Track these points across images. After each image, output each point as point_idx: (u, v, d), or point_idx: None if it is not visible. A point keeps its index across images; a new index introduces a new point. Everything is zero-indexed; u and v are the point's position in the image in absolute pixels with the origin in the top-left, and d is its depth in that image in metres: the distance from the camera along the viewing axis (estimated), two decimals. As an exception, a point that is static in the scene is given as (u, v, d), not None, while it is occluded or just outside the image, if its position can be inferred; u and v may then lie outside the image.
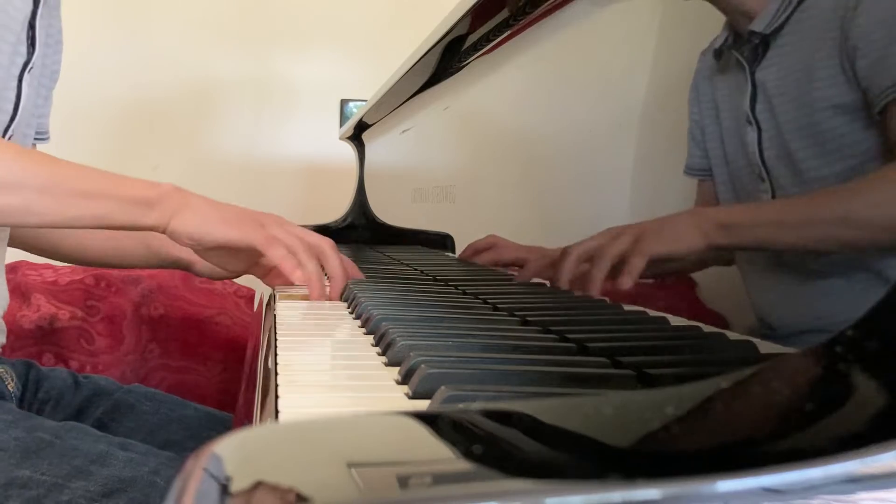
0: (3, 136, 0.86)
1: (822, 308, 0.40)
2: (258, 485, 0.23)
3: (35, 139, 1.01)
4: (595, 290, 0.62)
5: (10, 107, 0.87)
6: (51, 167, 0.76)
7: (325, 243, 0.84)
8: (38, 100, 0.97)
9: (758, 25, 0.43)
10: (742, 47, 0.44)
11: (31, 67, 0.90)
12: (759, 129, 0.43)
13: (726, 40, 0.46)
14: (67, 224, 0.78)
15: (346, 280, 0.85)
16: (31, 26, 0.89)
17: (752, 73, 0.43)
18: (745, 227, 0.47)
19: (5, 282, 0.93)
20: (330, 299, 0.83)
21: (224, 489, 0.23)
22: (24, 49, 0.88)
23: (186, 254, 1.04)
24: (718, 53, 0.47)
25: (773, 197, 0.43)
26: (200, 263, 1.04)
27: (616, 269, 0.59)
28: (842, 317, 0.37)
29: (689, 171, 0.51)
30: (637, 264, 0.55)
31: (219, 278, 1.11)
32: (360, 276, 0.87)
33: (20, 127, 0.90)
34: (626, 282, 0.56)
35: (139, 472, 0.74)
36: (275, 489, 0.23)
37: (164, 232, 0.80)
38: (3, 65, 0.85)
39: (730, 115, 0.46)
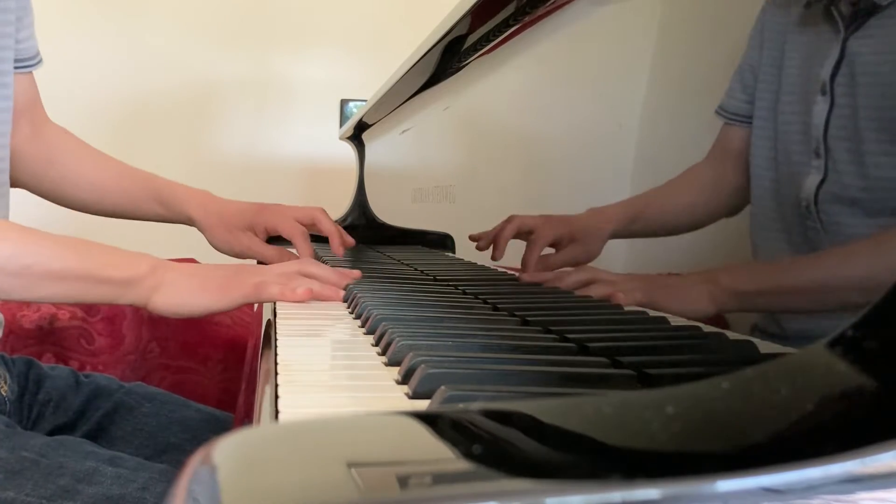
0: None
1: (833, 315, 0.39)
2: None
3: (25, 66, 0.99)
4: (578, 292, 0.64)
5: None
6: (25, 248, 0.74)
7: (305, 265, 0.84)
8: (4, 28, 0.93)
9: None
10: (841, 5, 0.38)
11: None
12: (833, 103, 0.38)
13: None
14: (37, 301, 0.78)
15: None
16: None
17: (846, 40, 0.38)
18: (758, 296, 0.45)
19: None
20: (334, 299, 0.82)
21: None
22: None
23: (200, 216, 1.04)
24: (809, 4, 0.41)
25: (823, 181, 0.39)
26: (209, 233, 1.04)
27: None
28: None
29: (723, 112, 0.47)
30: (627, 300, 0.56)
31: (224, 253, 1.09)
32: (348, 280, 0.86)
33: None
34: (621, 301, 0.56)
35: (127, 490, 0.73)
36: None
37: (147, 309, 0.79)
38: None
39: (799, 75, 0.41)
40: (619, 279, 0.61)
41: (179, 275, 0.79)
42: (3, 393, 0.89)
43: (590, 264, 0.66)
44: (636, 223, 0.60)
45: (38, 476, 0.72)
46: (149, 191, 1.06)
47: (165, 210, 1.06)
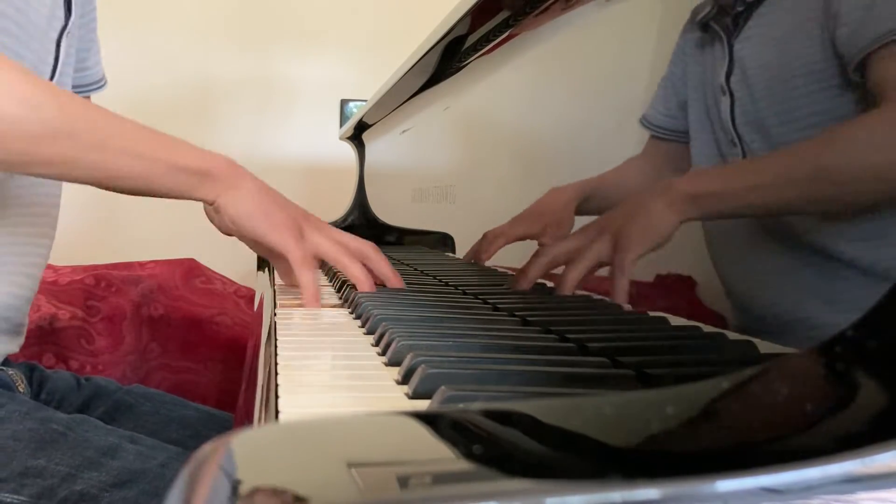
0: None
1: (790, 295, 0.40)
2: (255, 491, 0.23)
3: (93, 90, 1.00)
4: (569, 290, 0.63)
5: (49, 69, 0.87)
6: (105, 120, 0.73)
7: (368, 247, 0.83)
8: (79, 54, 0.96)
9: None
10: (723, 19, 0.45)
11: (69, 31, 0.89)
12: (732, 98, 0.44)
13: (710, 11, 0.47)
14: (112, 182, 0.73)
15: (398, 281, 0.83)
16: None
17: (731, 46, 0.44)
18: (717, 196, 0.47)
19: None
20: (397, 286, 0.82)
21: (234, 490, 0.23)
22: (61, 13, 0.88)
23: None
24: (704, 26, 0.47)
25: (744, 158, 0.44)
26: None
27: (595, 269, 0.60)
28: (808, 308, 0.38)
29: (648, 123, 0.52)
30: (623, 284, 0.55)
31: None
32: (401, 284, 0.85)
33: (62, 87, 0.90)
34: (621, 299, 0.56)
35: (149, 465, 0.76)
36: (272, 493, 0.23)
37: (212, 205, 0.77)
38: (41, 29, 0.84)
39: (701, 83, 0.47)
40: (581, 242, 0.61)
41: (254, 185, 0.78)
42: (21, 389, 0.91)
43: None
44: (591, 200, 0.63)
45: (66, 447, 0.75)
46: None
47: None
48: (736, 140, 0.44)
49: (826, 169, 0.39)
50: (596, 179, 0.63)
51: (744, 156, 0.44)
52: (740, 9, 0.44)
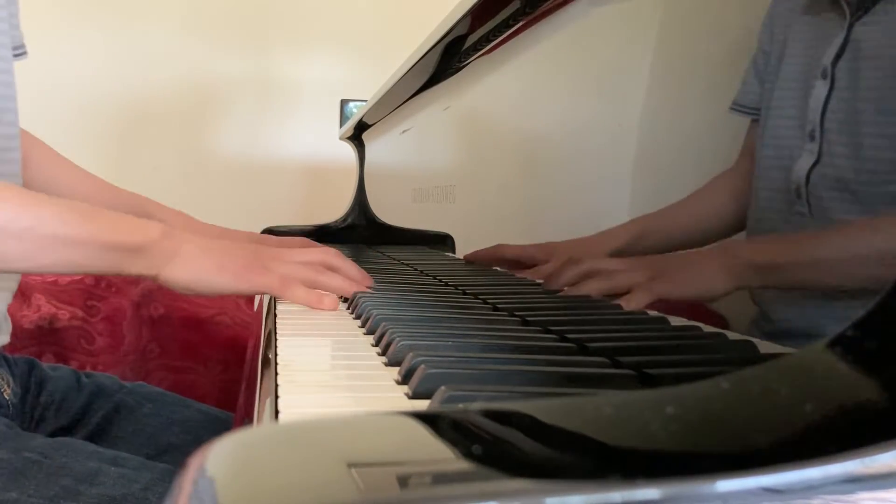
0: None
1: (823, 311, 0.39)
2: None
3: (17, 55, 0.95)
4: (579, 293, 0.61)
5: None
6: (27, 210, 0.69)
7: (332, 256, 0.82)
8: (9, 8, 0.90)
9: None
10: None
11: None
12: (832, 87, 0.38)
13: None
14: (41, 271, 0.71)
15: (367, 280, 0.83)
16: None
17: (851, 26, 0.38)
18: (782, 269, 0.43)
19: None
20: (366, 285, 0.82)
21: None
22: None
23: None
24: None
25: (818, 161, 0.38)
26: None
27: (618, 294, 0.56)
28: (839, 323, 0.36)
29: (740, 107, 0.45)
30: (640, 300, 0.53)
31: None
32: (370, 281, 0.85)
33: None
34: (629, 307, 0.54)
35: (130, 490, 0.72)
36: None
37: (154, 280, 0.74)
38: None
39: (799, 62, 0.41)
40: (621, 267, 0.58)
41: (196, 248, 0.74)
42: (6, 396, 0.89)
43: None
44: (646, 238, 0.57)
45: (41, 477, 0.72)
46: (132, 205, 1.00)
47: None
48: (817, 134, 0.39)
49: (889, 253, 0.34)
50: (651, 216, 0.56)
51: (819, 155, 0.38)
52: None
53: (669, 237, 0.53)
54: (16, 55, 0.96)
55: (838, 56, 0.38)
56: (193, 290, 0.75)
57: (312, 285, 0.78)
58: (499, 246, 0.91)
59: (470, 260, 1.01)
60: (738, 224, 0.45)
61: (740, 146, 0.46)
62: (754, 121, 0.45)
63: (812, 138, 0.39)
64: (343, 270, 0.82)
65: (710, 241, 0.48)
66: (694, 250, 0.51)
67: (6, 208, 0.68)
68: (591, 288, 0.60)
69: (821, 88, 0.39)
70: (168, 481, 0.75)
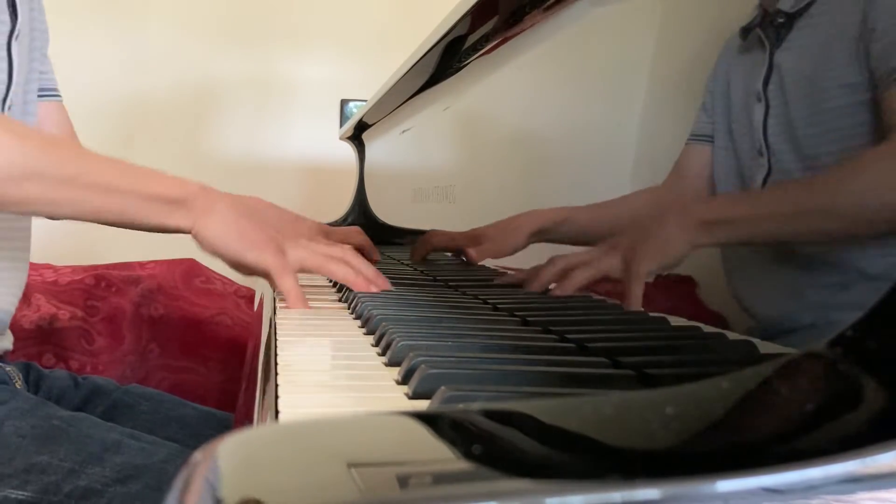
0: (3, 105, 0.87)
1: (805, 304, 0.40)
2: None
3: (48, 95, 1.01)
4: (569, 291, 0.64)
5: (5, 76, 0.88)
6: (74, 159, 0.73)
7: (348, 253, 0.84)
8: (32, 63, 0.95)
9: (785, 4, 0.43)
10: (767, 27, 0.44)
11: (18, 34, 0.89)
12: (767, 106, 0.43)
13: (754, 19, 0.46)
14: (87, 217, 0.74)
15: (384, 283, 0.83)
16: None
17: (772, 54, 0.44)
18: (728, 224, 0.48)
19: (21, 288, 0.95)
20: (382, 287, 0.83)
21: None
22: (6, 17, 0.88)
23: None
24: (745, 32, 0.47)
25: (769, 174, 0.43)
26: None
27: (600, 280, 0.61)
28: (823, 316, 0.38)
29: (696, 137, 0.51)
30: (637, 291, 0.56)
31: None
32: (387, 285, 0.85)
33: (18, 94, 0.90)
34: (633, 306, 0.56)
35: (151, 461, 0.76)
36: None
37: (189, 233, 0.77)
38: None
39: (742, 91, 0.46)
40: (594, 256, 0.62)
41: (229, 208, 0.77)
42: (19, 386, 0.91)
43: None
44: (564, 225, 0.62)
45: (69, 443, 0.76)
46: None
47: None
48: (764, 149, 0.43)
49: (838, 205, 0.40)
50: (581, 209, 0.62)
51: (769, 167, 0.43)
52: (781, 20, 0.44)
53: (584, 232, 0.60)
54: (58, 95, 1.04)
55: (766, 80, 0.44)
56: (215, 248, 0.77)
57: (319, 270, 0.81)
58: (430, 233, 1.00)
59: (417, 258, 1.09)
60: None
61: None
62: (690, 145, 0.51)
63: (761, 154, 0.44)
64: (357, 267, 0.83)
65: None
66: (648, 216, 0.56)
67: (54, 155, 0.72)
68: (576, 280, 0.63)
69: (759, 111, 0.44)
70: (183, 458, 0.76)
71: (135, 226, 0.75)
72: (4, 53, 0.88)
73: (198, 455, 0.25)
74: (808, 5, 0.42)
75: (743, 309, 0.45)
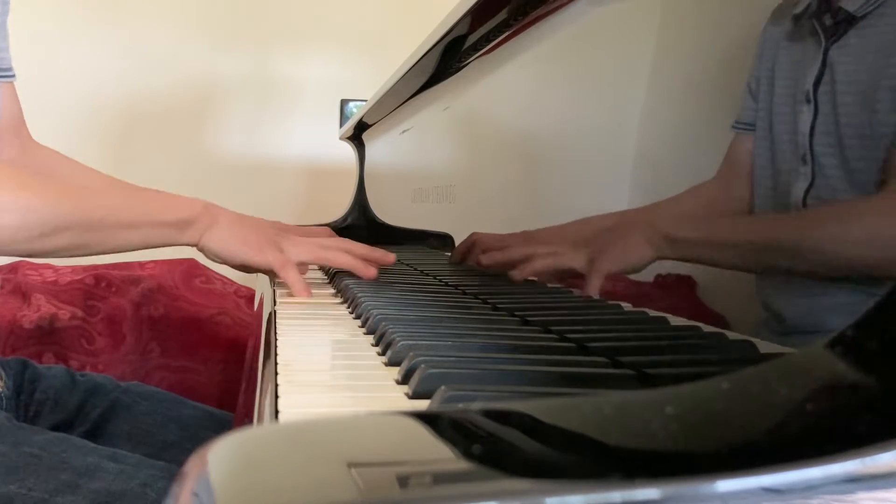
0: None
1: (834, 312, 0.39)
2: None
3: (6, 77, 1.00)
4: (523, 277, 0.68)
5: None
6: (94, 203, 0.80)
7: (346, 242, 0.91)
8: None
9: (849, 4, 0.39)
10: (824, 18, 0.41)
11: None
12: (816, 111, 0.40)
13: (810, 6, 0.42)
14: (117, 251, 0.82)
15: (385, 257, 0.91)
16: None
17: (826, 50, 0.40)
18: (689, 244, 0.49)
19: None
20: (367, 276, 0.89)
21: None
22: None
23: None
24: (797, 18, 0.43)
25: (812, 183, 0.40)
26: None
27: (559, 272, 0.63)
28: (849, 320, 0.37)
29: (741, 125, 0.48)
30: (596, 284, 0.59)
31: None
32: (391, 259, 0.93)
33: None
34: (591, 293, 0.59)
35: (129, 485, 0.73)
36: None
37: (195, 247, 0.85)
38: None
39: (788, 85, 0.43)
40: (557, 246, 0.65)
41: (229, 220, 0.86)
42: (0, 387, 0.89)
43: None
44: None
45: (41, 471, 0.72)
46: None
47: None
48: (809, 158, 0.40)
49: (806, 249, 0.39)
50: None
51: (812, 178, 0.40)
52: (842, 17, 0.40)
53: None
54: (9, 76, 1.03)
55: (818, 80, 0.40)
56: (221, 257, 0.86)
57: (317, 260, 0.90)
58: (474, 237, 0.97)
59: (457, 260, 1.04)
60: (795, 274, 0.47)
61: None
62: (738, 134, 0.47)
63: (804, 162, 0.41)
64: (355, 252, 0.89)
65: None
66: (612, 225, 0.58)
67: (80, 205, 0.78)
68: (534, 268, 0.68)
69: (806, 113, 0.41)
70: (167, 478, 0.75)
71: (151, 247, 0.84)
72: None
73: (191, 462, 0.25)
74: (873, 10, 0.38)
75: (765, 305, 0.44)
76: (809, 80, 0.41)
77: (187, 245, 0.85)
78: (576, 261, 0.62)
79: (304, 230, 1.16)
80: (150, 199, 0.86)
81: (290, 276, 0.86)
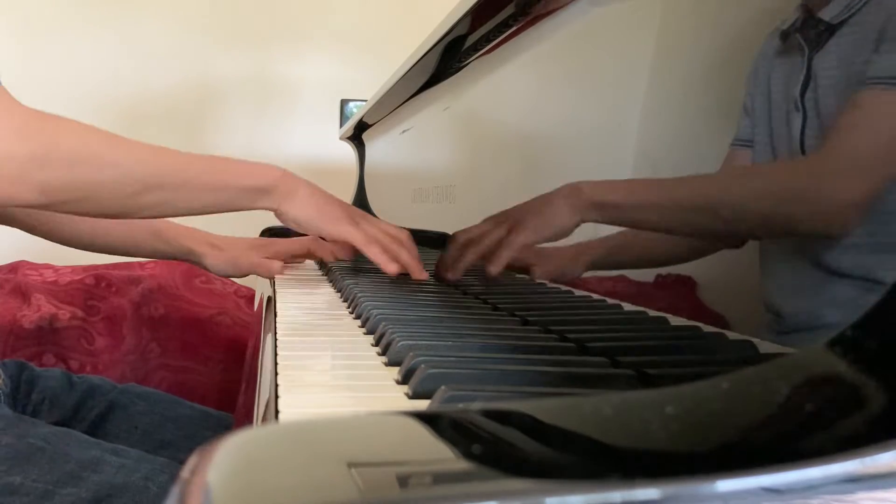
0: None
1: (833, 308, 0.40)
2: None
3: None
4: (459, 273, 0.72)
5: None
6: (184, 164, 0.83)
7: (404, 234, 0.92)
8: None
9: (826, 14, 0.43)
10: (807, 31, 0.44)
11: None
12: (805, 117, 0.43)
13: (795, 22, 0.45)
14: (196, 212, 0.84)
15: (420, 272, 0.92)
16: None
17: (810, 59, 0.43)
18: (614, 207, 0.50)
19: None
20: (420, 277, 0.90)
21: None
22: None
23: (198, 246, 1.09)
24: (785, 35, 0.46)
25: None
26: (211, 258, 1.09)
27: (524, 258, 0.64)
28: (849, 316, 0.37)
29: (739, 142, 0.50)
30: (505, 255, 0.61)
31: (224, 276, 1.14)
32: (424, 275, 0.94)
33: None
34: (492, 270, 0.59)
35: (131, 479, 0.74)
36: None
37: (274, 212, 0.88)
38: None
39: (781, 97, 0.46)
40: (484, 229, 0.67)
41: (307, 190, 0.88)
42: (0, 386, 0.89)
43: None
44: (620, 253, 0.62)
45: (45, 462, 0.73)
46: (148, 228, 1.09)
47: (165, 245, 1.10)
48: None
49: (718, 206, 0.41)
50: (627, 233, 0.60)
51: None
52: (822, 28, 0.43)
53: (650, 249, 0.57)
54: None
55: (804, 87, 0.43)
56: (302, 226, 0.88)
57: (387, 247, 0.90)
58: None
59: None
60: (721, 238, 0.48)
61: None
62: (734, 148, 0.49)
63: None
64: (412, 251, 0.91)
65: (695, 255, 0.51)
66: (541, 195, 0.59)
67: (170, 163, 0.82)
68: (469, 258, 0.71)
69: (797, 120, 0.43)
70: (168, 473, 0.75)
71: (231, 210, 0.86)
72: None
73: (192, 460, 0.25)
74: (850, 17, 0.41)
75: (767, 305, 0.44)
76: (797, 89, 0.43)
77: (266, 209, 0.87)
78: (498, 236, 0.64)
79: (283, 242, 1.19)
80: (231, 165, 0.87)
81: (377, 252, 0.87)
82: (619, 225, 0.49)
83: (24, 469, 0.72)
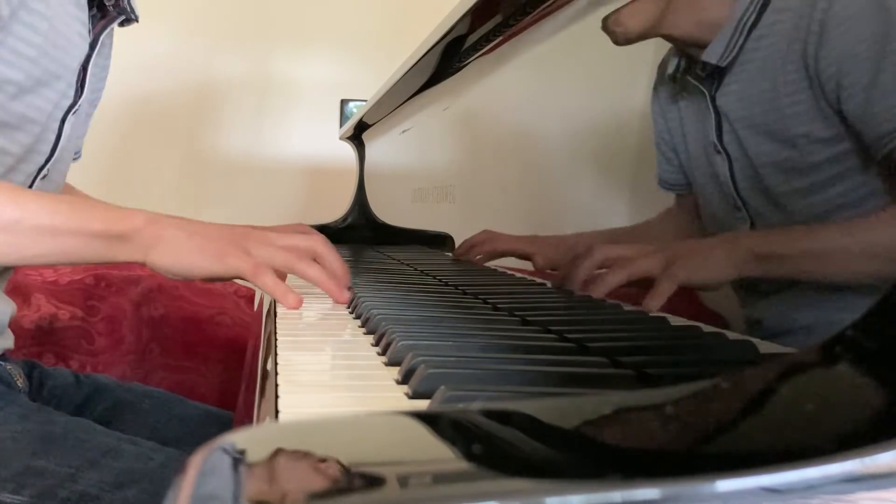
0: (38, 174, 0.85)
1: (801, 309, 0.39)
2: (277, 452, 0.23)
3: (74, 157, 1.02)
4: (601, 294, 0.60)
5: (49, 148, 0.86)
6: (13, 203, 0.70)
7: (317, 243, 0.79)
8: (79, 131, 0.96)
9: (711, 57, 0.41)
10: (697, 72, 0.43)
11: (77, 110, 0.88)
12: (730, 159, 0.42)
13: (678, 66, 0.44)
14: (29, 262, 0.74)
15: (345, 278, 0.80)
16: (84, 69, 0.88)
17: (713, 99, 0.42)
18: (780, 259, 0.45)
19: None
20: (340, 301, 0.78)
21: (237, 461, 0.23)
22: (72, 92, 0.87)
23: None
24: (673, 78, 0.45)
25: (752, 225, 0.42)
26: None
27: (638, 284, 0.57)
28: (822, 316, 0.37)
29: (663, 184, 0.50)
30: (666, 290, 0.53)
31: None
32: (347, 281, 0.82)
33: (56, 164, 0.88)
34: (654, 305, 0.53)
35: (149, 466, 0.76)
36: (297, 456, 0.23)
37: (144, 265, 0.75)
38: (46, 110, 0.83)
39: (696, 140, 0.44)
40: (634, 254, 0.58)
41: (179, 231, 0.74)
42: (20, 384, 0.91)
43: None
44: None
45: (67, 448, 0.75)
46: None
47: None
48: (740, 204, 0.42)
49: (878, 248, 0.37)
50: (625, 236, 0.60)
51: (751, 222, 0.41)
52: (711, 70, 0.42)
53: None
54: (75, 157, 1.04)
55: (719, 130, 0.42)
56: (176, 273, 0.74)
57: (290, 271, 0.77)
58: (486, 234, 0.91)
59: (461, 255, 0.99)
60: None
61: None
62: (679, 195, 0.49)
63: (738, 208, 0.42)
64: (327, 262, 0.79)
65: None
66: (702, 240, 0.53)
67: (18, 200, 0.70)
68: (612, 281, 0.60)
69: (721, 163, 0.42)
70: (182, 463, 0.76)
71: (81, 263, 0.76)
72: (56, 126, 0.86)
73: (195, 458, 0.25)
74: (737, 55, 0.40)
75: (746, 321, 0.44)
76: (712, 133, 0.42)
77: (130, 262, 0.75)
78: (651, 267, 0.55)
79: (273, 228, 1.00)
80: (82, 207, 0.74)
81: (266, 283, 0.73)
82: (777, 279, 0.44)
83: (49, 453, 0.74)
